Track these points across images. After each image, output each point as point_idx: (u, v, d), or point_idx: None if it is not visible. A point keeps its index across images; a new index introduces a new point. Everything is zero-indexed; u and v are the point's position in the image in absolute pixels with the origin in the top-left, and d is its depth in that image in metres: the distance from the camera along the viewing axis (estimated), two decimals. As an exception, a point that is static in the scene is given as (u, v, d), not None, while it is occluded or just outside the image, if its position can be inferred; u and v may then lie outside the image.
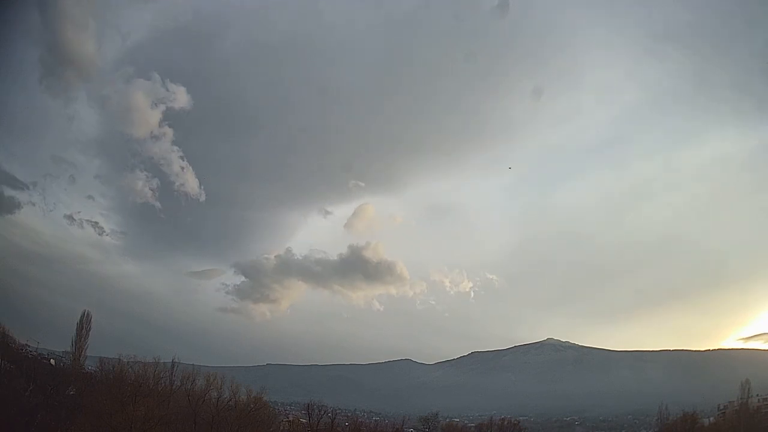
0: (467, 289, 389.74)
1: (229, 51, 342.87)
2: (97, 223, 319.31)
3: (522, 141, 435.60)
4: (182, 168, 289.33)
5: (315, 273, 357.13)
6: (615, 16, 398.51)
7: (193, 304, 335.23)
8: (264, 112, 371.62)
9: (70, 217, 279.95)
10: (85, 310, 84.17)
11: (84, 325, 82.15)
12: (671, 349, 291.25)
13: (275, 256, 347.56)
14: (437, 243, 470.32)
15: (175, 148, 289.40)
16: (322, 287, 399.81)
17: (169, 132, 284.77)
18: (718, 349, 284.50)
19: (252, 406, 69.11)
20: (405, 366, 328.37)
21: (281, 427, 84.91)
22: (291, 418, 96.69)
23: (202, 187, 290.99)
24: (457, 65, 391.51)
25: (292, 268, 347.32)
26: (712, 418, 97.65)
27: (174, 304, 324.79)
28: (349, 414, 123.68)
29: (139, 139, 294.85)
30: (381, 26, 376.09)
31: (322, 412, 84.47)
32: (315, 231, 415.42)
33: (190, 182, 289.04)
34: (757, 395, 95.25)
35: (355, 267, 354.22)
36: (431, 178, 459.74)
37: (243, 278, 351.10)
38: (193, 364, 75.57)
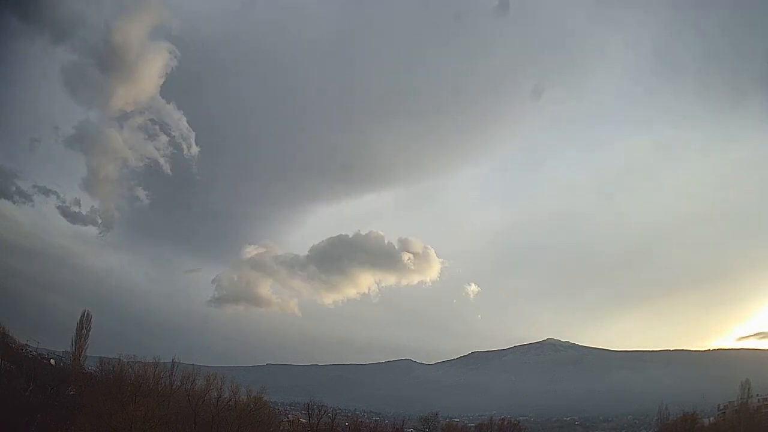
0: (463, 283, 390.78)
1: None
2: (92, 212, 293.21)
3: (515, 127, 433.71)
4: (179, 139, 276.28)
5: (311, 269, 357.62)
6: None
7: (192, 303, 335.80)
8: (263, 108, 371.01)
9: (57, 206, 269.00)
10: (85, 310, 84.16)
11: (84, 325, 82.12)
12: (671, 349, 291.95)
13: (275, 253, 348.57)
14: (433, 234, 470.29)
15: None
16: (320, 284, 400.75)
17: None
18: (718, 349, 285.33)
19: (252, 406, 69.06)
20: (405, 366, 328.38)
21: (281, 427, 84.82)
22: (291, 418, 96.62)
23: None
24: (453, 58, 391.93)
25: (291, 265, 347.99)
26: (712, 418, 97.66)
27: (173, 303, 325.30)
28: (349, 414, 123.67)
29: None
30: (380, 24, 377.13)
31: (322, 412, 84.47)
32: (313, 228, 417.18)
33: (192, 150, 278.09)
34: (757, 395, 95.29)
35: (351, 257, 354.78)
36: (424, 170, 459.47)
37: (242, 276, 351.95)
38: (193, 364, 75.56)
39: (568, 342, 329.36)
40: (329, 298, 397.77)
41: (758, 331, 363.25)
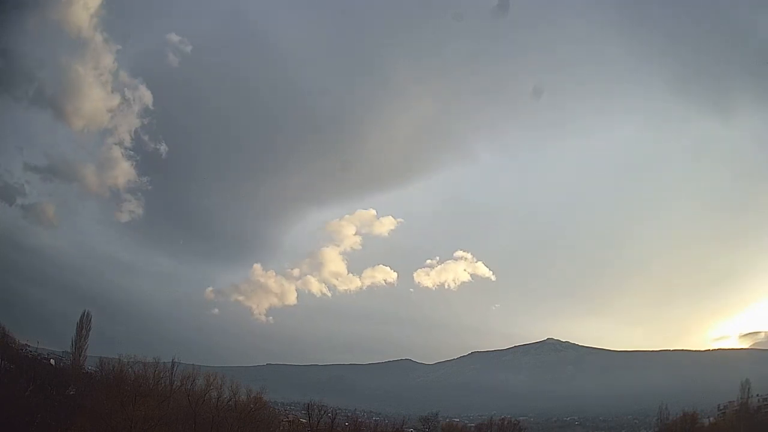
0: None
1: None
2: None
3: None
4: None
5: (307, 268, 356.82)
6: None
7: (192, 303, 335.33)
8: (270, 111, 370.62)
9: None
10: (85, 310, 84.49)
11: (84, 325, 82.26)
12: (671, 349, 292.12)
13: (273, 253, 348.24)
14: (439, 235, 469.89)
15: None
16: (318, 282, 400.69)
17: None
18: (718, 349, 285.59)
19: (252, 406, 69.14)
20: (405, 366, 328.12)
21: (281, 427, 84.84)
22: (291, 418, 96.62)
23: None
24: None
25: (290, 264, 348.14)
26: (712, 418, 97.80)
27: (173, 304, 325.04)
28: (349, 414, 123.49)
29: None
30: (380, 25, 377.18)
31: (322, 412, 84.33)
32: (311, 227, 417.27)
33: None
34: (757, 395, 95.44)
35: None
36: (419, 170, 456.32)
37: (240, 276, 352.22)
38: (193, 364, 75.72)
39: (568, 342, 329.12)
40: (328, 297, 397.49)
41: (757, 330, 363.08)
